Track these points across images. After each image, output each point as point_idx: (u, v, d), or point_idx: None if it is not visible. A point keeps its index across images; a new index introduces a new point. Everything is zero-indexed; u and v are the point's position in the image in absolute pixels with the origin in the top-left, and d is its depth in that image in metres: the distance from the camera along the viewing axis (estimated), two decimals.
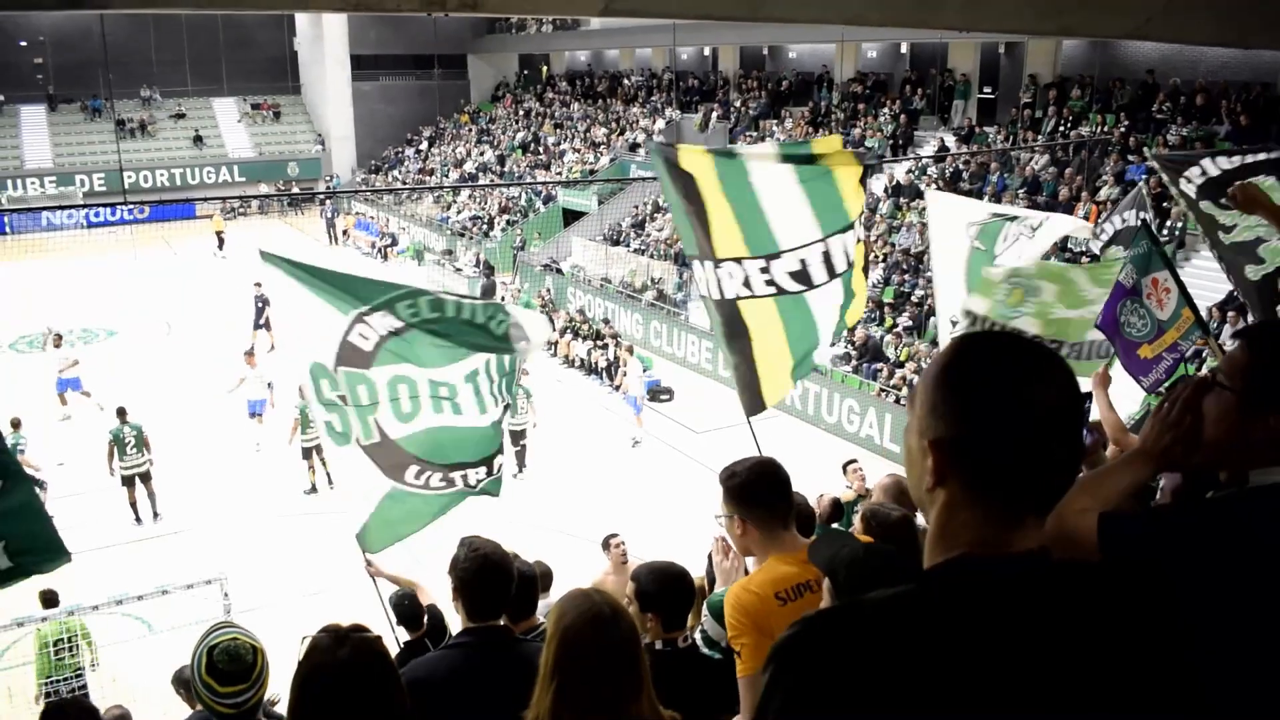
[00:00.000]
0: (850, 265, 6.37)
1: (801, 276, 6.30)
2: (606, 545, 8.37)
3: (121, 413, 14.76)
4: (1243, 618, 1.52)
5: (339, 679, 2.56)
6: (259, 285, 23.04)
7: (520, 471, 15.65)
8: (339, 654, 2.59)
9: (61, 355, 19.42)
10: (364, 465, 5.96)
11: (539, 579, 6.00)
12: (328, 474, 15.53)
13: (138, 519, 14.56)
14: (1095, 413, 5.15)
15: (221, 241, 34.54)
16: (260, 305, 22.87)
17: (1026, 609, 1.28)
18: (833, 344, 7.40)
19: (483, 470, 6.31)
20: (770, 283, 6.30)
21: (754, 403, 6.63)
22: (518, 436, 15.61)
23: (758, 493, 3.34)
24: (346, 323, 5.73)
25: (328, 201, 39.32)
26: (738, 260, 6.27)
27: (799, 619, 1.36)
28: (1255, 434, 1.80)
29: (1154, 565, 1.49)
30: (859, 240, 6.39)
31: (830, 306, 6.48)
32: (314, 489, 15.48)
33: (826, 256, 6.27)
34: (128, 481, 14.56)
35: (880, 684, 1.22)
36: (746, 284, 6.29)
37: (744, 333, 6.41)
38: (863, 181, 6.23)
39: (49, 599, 9.12)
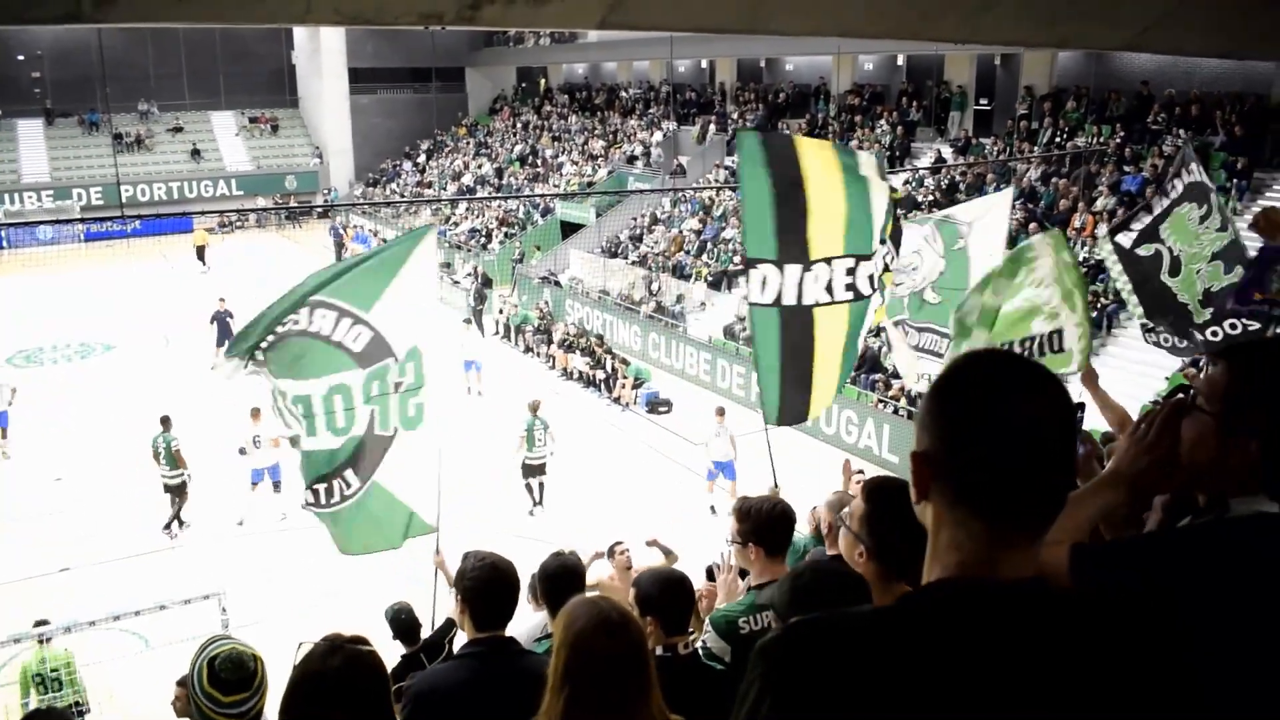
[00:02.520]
0: (874, 289, 6.41)
1: (870, 282, 6.32)
2: (611, 553, 8.36)
3: (164, 422, 14.64)
4: (1221, 651, 1.49)
5: (328, 688, 2.58)
6: (223, 301, 22.97)
7: (538, 506, 15.36)
8: (330, 663, 2.60)
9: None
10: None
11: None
12: None
13: (181, 524, 14.63)
14: (1086, 422, 5.14)
15: (201, 255, 34.15)
16: (225, 320, 22.75)
17: (1007, 637, 1.26)
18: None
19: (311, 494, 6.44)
20: (850, 287, 6.24)
21: (798, 412, 6.55)
22: (534, 470, 15.29)
23: (893, 528, 3.22)
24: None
25: (336, 218, 39.24)
26: (828, 260, 6.12)
27: (786, 624, 1.36)
28: (1233, 459, 1.73)
29: (1147, 600, 1.47)
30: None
31: (863, 322, 6.51)
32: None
33: (883, 264, 6.40)
34: (167, 489, 14.55)
35: (858, 697, 1.23)
36: (829, 288, 6.17)
37: (809, 343, 6.26)
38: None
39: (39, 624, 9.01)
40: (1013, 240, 19.51)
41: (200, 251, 34.41)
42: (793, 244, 6.03)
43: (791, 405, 6.45)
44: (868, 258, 6.21)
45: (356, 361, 6.11)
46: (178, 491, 14.51)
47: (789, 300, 6.10)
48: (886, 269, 6.49)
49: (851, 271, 6.18)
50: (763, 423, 6.62)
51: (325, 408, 6.13)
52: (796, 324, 6.21)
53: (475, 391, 20.67)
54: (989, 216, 8.70)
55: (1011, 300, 6.55)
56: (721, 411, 15.57)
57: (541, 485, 15.40)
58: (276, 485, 15.08)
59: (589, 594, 2.68)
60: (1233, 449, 1.74)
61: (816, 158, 6.04)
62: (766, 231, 6.02)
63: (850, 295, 6.23)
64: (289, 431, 6.35)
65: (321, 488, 6.34)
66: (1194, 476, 1.85)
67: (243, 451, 15.05)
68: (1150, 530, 2.28)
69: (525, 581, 6.91)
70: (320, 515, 6.46)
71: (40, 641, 8.95)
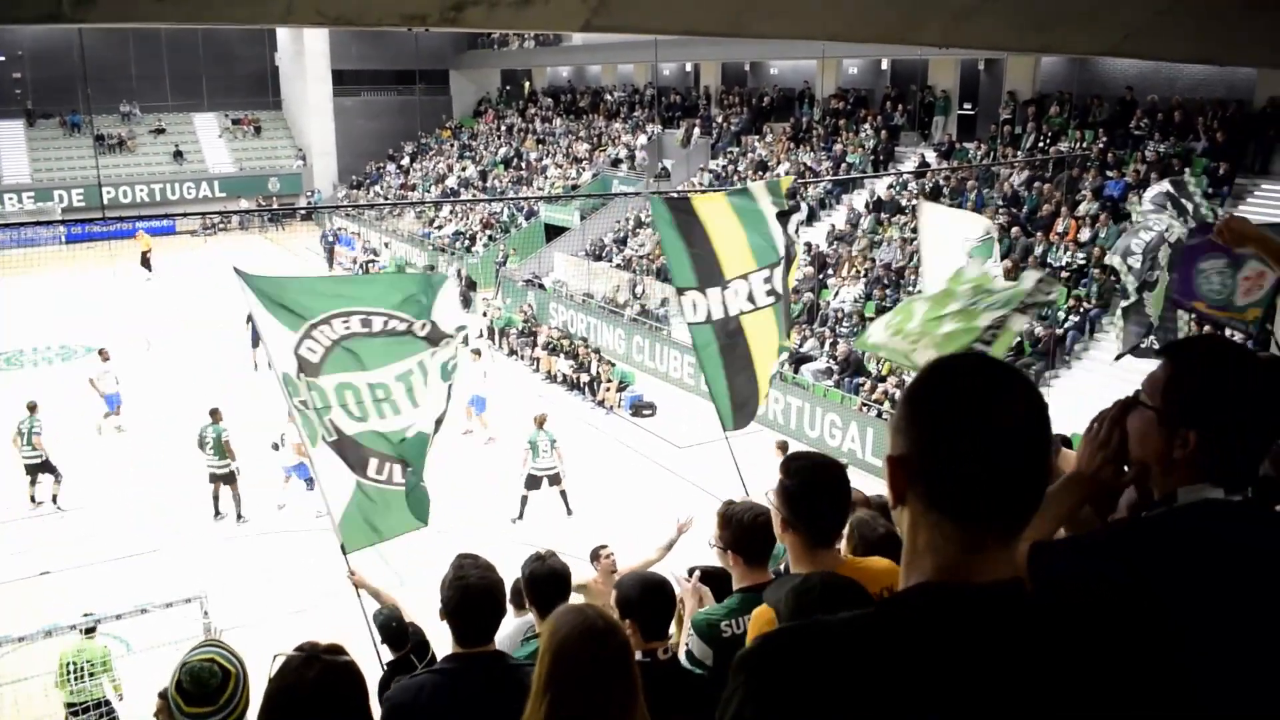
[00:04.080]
0: (778, 298, 7.59)
1: (782, 283, 7.56)
2: (596, 556, 8.34)
3: (213, 414, 14.95)
4: (1185, 638, 1.50)
5: (304, 701, 2.55)
6: None
7: (568, 514, 15.15)
8: (306, 675, 2.58)
9: (102, 370, 19.09)
10: (331, 463, 6.44)
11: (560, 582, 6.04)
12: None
13: (216, 513, 14.94)
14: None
15: (147, 263, 33.41)
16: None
17: (986, 641, 1.26)
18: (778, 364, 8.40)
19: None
20: (770, 292, 7.48)
21: (750, 411, 7.53)
22: (537, 481, 15.07)
23: (809, 500, 3.09)
24: (296, 338, 6.26)
25: (326, 226, 38.92)
26: (744, 276, 7.41)
27: (764, 633, 1.36)
28: (1176, 451, 1.78)
29: (1134, 597, 1.47)
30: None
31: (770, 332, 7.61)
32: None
33: (770, 279, 7.57)
34: (212, 479, 14.91)
35: (838, 704, 1.22)
36: (750, 298, 7.41)
37: (745, 345, 7.41)
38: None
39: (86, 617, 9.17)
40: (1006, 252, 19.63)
41: (145, 258, 33.53)
42: (709, 272, 7.39)
43: (744, 407, 7.50)
44: (777, 264, 7.56)
45: (427, 344, 6.56)
46: (227, 480, 14.90)
47: (717, 315, 7.39)
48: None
49: (768, 280, 7.49)
50: (724, 430, 7.39)
51: (405, 386, 6.52)
52: (730, 332, 7.45)
53: (487, 438, 18.36)
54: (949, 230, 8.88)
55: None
56: (784, 446, 13.56)
57: (563, 494, 15.23)
58: (309, 483, 14.98)
59: (577, 600, 2.67)
60: (1174, 441, 1.79)
61: (710, 206, 7.61)
62: (686, 267, 7.43)
63: (771, 299, 7.52)
64: (322, 433, 6.44)
65: (396, 466, 6.61)
66: (1142, 471, 1.90)
67: (276, 447, 15.16)
68: (1104, 526, 2.31)
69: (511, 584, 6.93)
70: (376, 490, 6.61)
71: (84, 633, 9.09)
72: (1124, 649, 1.31)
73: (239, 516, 14.95)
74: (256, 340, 22.51)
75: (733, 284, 7.37)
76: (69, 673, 9.04)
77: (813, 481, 3.11)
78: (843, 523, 3.25)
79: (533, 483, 15.10)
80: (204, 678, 3.13)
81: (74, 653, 9.07)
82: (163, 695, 6.45)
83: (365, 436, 6.53)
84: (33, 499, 15.43)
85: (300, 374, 6.30)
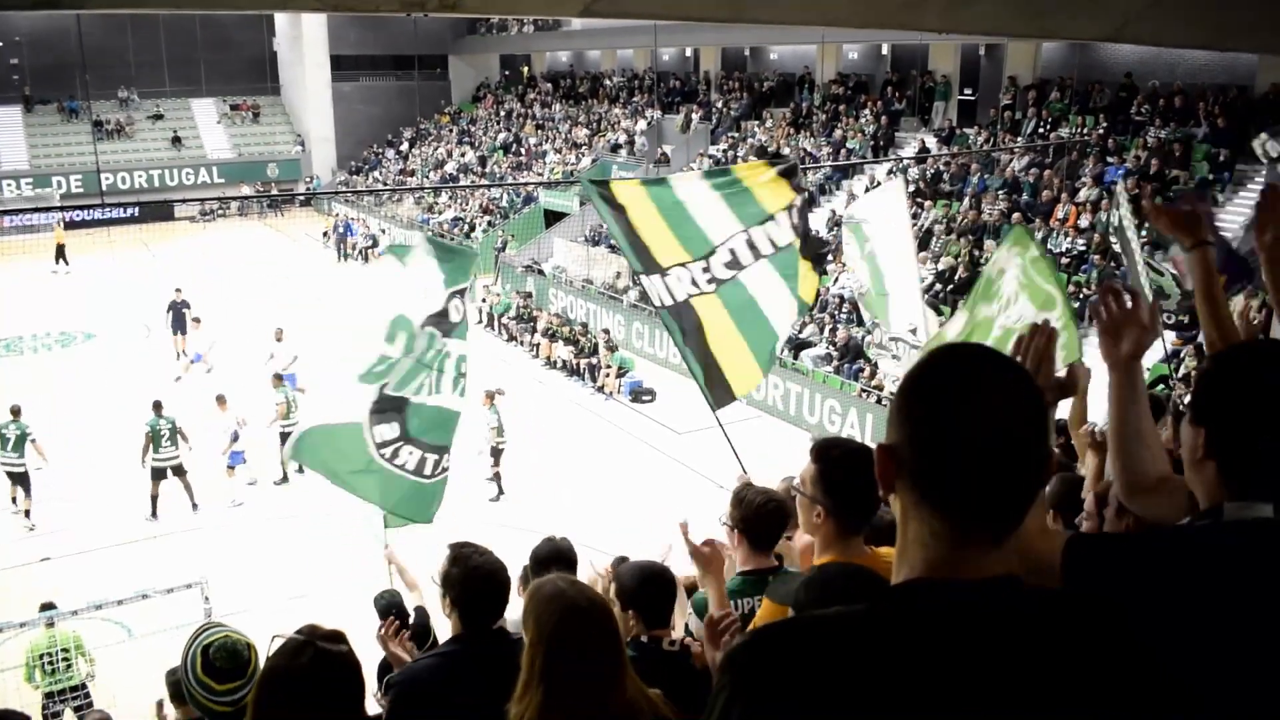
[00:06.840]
0: (778, 248, 7.14)
1: (732, 264, 7.15)
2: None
3: (157, 406, 14.84)
4: (1207, 650, 1.48)
5: (296, 684, 2.56)
6: (179, 291, 22.88)
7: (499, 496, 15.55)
8: (299, 660, 2.58)
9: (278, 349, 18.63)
10: (360, 399, 6.73)
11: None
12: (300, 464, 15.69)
13: (154, 514, 14.57)
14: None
15: (62, 254, 32.32)
16: (181, 310, 22.57)
17: (972, 639, 1.25)
18: (796, 323, 7.85)
19: (444, 460, 7.17)
20: (711, 280, 7.15)
21: (723, 395, 7.20)
22: (498, 456, 15.56)
23: (849, 484, 2.97)
24: (447, 294, 6.82)
25: (336, 217, 38.72)
26: (683, 265, 7.07)
27: (752, 629, 1.36)
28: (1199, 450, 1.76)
29: (1115, 604, 1.46)
30: (797, 229, 7.15)
31: (771, 291, 7.22)
32: (285, 479, 15.66)
33: (750, 243, 7.09)
34: (158, 474, 14.61)
35: (824, 704, 1.22)
36: (694, 283, 7.07)
37: (699, 328, 7.13)
38: (793, 184, 7.06)
39: (46, 608, 9.20)
40: (995, 232, 19.61)
41: (60, 250, 32.49)
42: (645, 259, 7.10)
43: (718, 389, 7.21)
44: (712, 253, 7.15)
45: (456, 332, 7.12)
46: (178, 472, 14.73)
47: (667, 301, 7.11)
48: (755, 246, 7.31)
49: (706, 269, 7.08)
50: (715, 411, 7.16)
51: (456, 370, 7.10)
52: (685, 317, 7.17)
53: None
54: (884, 212, 8.55)
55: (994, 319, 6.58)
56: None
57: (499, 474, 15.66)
58: (231, 470, 15.41)
59: (554, 577, 2.67)
60: (1197, 440, 1.76)
61: (627, 195, 7.14)
62: (629, 253, 7.20)
63: (712, 287, 7.14)
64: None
65: (434, 458, 7.06)
66: (1192, 483, 1.85)
67: (236, 437, 15.17)
68: (1146, 530, 2.29)
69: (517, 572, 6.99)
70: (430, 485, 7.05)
71: (47, 625, 9.09)
72: (1109, 655, 1.29)
73: (194, 507, 14.85)
74: (177, 328, 22.43)
75: (672, 271, 7.06)
76: (45, 663, 9.06)
77: (853, 466, 3.01)
78: (877, 508, 3.20)
79: (499, 457, 15.49)
80: (239, 650, 3.21)
81: (46, 642, 9.09)
82: (176, 696, 6.49)
83: (417, 411, 6.92)
84: (14, 500, 14.54)
85: (425, 326, 6.75)
